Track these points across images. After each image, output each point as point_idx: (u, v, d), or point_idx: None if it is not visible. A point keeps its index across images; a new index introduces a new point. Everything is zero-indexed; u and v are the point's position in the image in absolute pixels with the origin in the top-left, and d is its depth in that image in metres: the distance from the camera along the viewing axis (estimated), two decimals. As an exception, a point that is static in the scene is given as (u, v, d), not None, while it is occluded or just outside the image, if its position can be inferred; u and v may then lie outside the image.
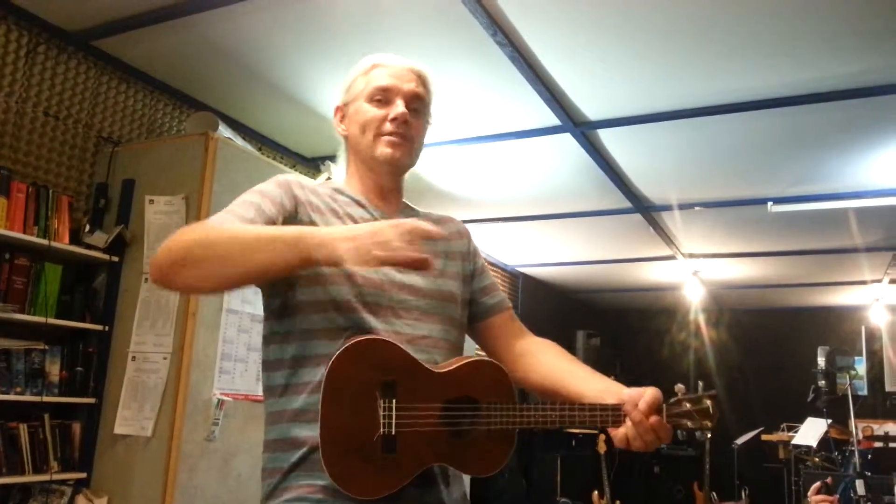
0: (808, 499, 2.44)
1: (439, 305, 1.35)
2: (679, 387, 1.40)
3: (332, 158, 4.08)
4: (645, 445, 1.19)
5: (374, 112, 1.37)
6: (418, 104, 1.39)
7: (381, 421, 1.15)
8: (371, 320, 1.24)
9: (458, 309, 1.40)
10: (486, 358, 1.25)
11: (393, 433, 1.14)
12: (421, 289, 1.33)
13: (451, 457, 1.19)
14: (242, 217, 1.22)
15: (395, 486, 1.15)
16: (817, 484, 2.44)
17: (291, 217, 1.27)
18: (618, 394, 1.24)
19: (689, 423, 1.21)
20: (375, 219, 1.36)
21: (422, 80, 1.42)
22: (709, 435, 6.41)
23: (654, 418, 1.19)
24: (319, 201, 1.34)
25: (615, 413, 1.20)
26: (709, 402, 1.22)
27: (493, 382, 1.23)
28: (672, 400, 1.23)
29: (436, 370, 1.22)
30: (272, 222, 1.24)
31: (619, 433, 1.20)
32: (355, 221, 1.33)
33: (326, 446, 1.14)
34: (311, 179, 1.43)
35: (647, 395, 1.20)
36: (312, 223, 1.29)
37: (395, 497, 1.17)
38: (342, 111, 1.44)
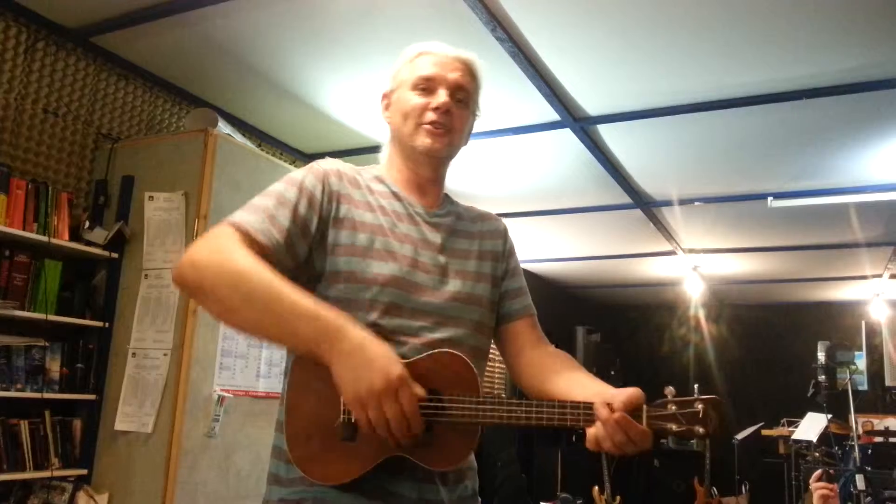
0: (810, 486, 2.46)
1: (465, 309, 1.32)
2: (669, 389, 1.29)
3: (332, 155, 4.09)
4: (615, 447, 1.10)
5: (416, 100, 1.34)
6: (462, 94, 1.37)
7: (342, 408, 1.14)
8: (387, 321, 1.23)
9: (487, 313, 1.37)
10: (450, 351, 1.20)
11: (353, 420, 1.13)
12: (446, 291, 1.31)
13: (411, 448, 1.16)
14: (279, 226, 1.20)
15: (356, 474, 1.15)
16: (818, 472, 2.47)
17: (326, 216, 1.26)
18: (603, 396, 1.15)
19: (673, 427, 1.11)
20: (411, 215, 1.34)
21: (469, 69, 1.39)
22: (706, 441, 6.19)
23: (618, 414, 1.10)
24: (357, 193, 1.32)
25: (587, 412, 1.12)
26: (700, 406, 1.11)
27: (457, 376, 1.18)
28: (657, 402, 1.14)
29: (401, 362, 1.19)
30: (305, 225, 1.23)
31: (590, 433, 1.12)
32: (387, 215, 1.31)
33: (290, 430, 1.16)
34: (352, 166, 1.38)
35: (622, 393, 1.13)
36: (348, 217, 1.27)
37: (384, 491, 1.17)
38: (387, 98, 1.41)
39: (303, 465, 1.15)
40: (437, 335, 1.26)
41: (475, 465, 1.36)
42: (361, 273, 1.24)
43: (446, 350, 1.20)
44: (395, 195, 1.36)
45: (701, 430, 1.11)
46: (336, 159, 1.38)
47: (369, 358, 1.07)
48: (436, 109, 1.33)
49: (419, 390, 1.12)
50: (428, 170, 1.38)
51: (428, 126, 1.33)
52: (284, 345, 1.15)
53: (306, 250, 1.25)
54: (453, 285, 1.32)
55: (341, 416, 1.14)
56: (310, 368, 1.15)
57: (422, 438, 1.15)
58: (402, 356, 1.17)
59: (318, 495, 1.17)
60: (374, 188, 1.35)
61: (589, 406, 1.13)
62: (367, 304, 1.23)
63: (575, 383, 1.28)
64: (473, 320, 1.33)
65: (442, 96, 1.34)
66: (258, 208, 1.23)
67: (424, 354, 1.19)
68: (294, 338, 1.10)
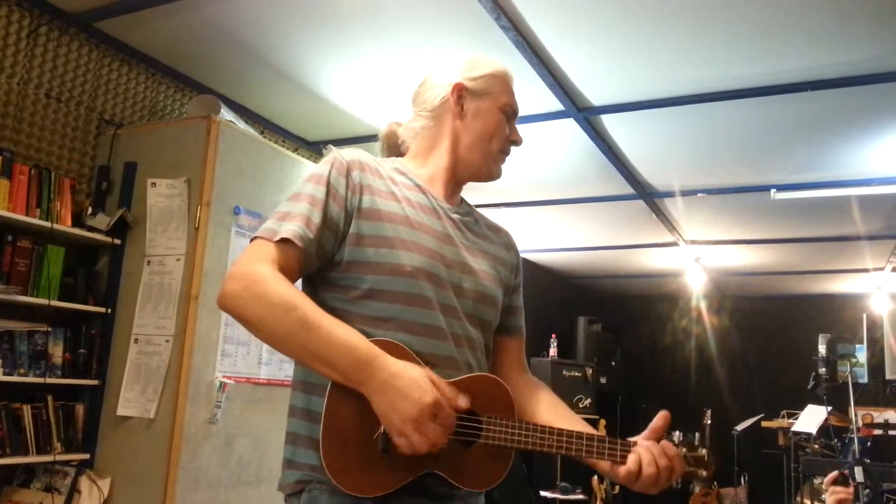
0: (824, 487, 2.41)
1: (482, 308, 1.34)
2: (677, 433, 1.47)
3: (335, 142, 4.08)
4: (653, 487, 1.18)
5: (504, 126, 1.39)
6: None
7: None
8: (411, 314, 1.24)
9: (497, 314, 1.39)
10: (491, 375, 1.24)
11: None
12: (467, 288, 1.32)
13: (447, 466, 1.17)
14: (314, 228, 1.21)
15: (389, 488, 1.14)
16: (834, 473, 2.41)
17: (351, 209, 1.26)
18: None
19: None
20: (435, 209, 1.34)
21: None
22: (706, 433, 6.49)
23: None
24: (380, 184, 1.31)
25: (611, 447, 1.19)
26: (704, 451, 1.24)
27: (496, 400, 1.22)
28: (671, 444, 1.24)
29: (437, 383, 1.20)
30: (335, 222, 1.23)
31: (623, 470, 1.19)
32: (412, 206, 1.31)
33: (326, 437, 1.14)
34: (371, 156, 1.36)
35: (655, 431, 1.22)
36: (372, 208, 1.27)
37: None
38: (464, 91, 1.37)
39: (337, 476, 1.13)
40: (461, 332, 1.28)
41: None
42: (389, 264, 1.24)
43: (487, 374, 1.24)
44: (419, 188, 1.35)
45: (704, 473, 1.23)
46: (357, 149, 1.36)
47: (402, 388, 1.10)
48: (515, 143, 1.41)
49: (462, 402, 1.15)
50: (469, 181, 1.43)
51: (503, 156, 1.40)
52: (324, 375, 1.15)
53: (335, 246, 1.25)
54: (473, 283, 1.33)
55: (382, 428, 1.13)
56: None
57: (458, 458, 1.17)
58: (432, 356, 1.21)
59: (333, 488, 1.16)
60: (397, 179, 1.34)
61: (627, 444, 1.20)
62: (392, 296, 1.23)
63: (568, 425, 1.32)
64: (488, 320, 1.36)
65: (519, 134, 1.41)
66: (293, 215, 1.22)
67: (465, 376, 1.22)
68: (331, 369, 1.13)
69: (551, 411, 1.36)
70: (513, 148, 1.45)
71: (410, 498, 1.17)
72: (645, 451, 1.18)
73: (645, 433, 1.21)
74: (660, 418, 1.22)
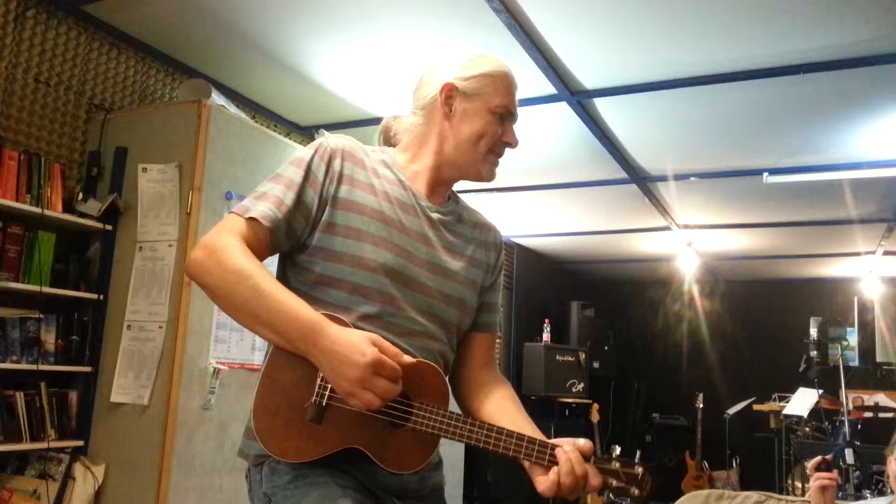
0: (808, 472, 2.37)
1: (447, 310, 1.34)
2: (616, 447, 1.44)
3: (327, 127, 4.05)
4: (570, 482, 1.15)
5: (495, 128, 1.35)
6: None
7: (317, 390, 1.18)
8: (369, 308, 1.26)
9: (465, 318, 1.40)
10: (431, 363, 1.25)
11: (324, 404, 1.17)
12: (435, 289, 1.33)
13: (371, 444, 1.20)
14: (285, 210, 1.24)
15: (313, 456, 1.19)
16: (817, 459, 2.35)
17: (327, 196, 1.28)
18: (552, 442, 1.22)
19: (613, 482, 1.20)
20: (414, 206, 1.35)
21: None
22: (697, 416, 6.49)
23: (584, 467, 1.17)
24: (362, 175, 1.32)
25: (541, 450, 1.18)
26: (640, 469, 1.21)
27: (432, 388, 1.23)
28: (604, 456, 1.22)
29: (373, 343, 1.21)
30: (308, 207, 1.26)
31: (549, 477, 1.17)
32: (390, 202, 1.31)
33: (259, 400, 1.20)
34: (360, 144, 1.36)
35: (579, 441, 1.20)
36: (348, 199, 1.28)
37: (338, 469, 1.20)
38: (455, 96, 1.35)
39: (263, 437, 1.19)
40: (417, 328, 1.29)
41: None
42: (354, 256, 1.25)
43: (428, 362, 1.25)
44: (402, 183, 1.35)
45: (637, 491, 1.19)
46: (345, 136, 1.37)
47: (343, 353, 1.13)
48: (508, 145, 1.38)
49: (406, 358, 1.18)
50: (458, 181, 1.41)
51: (495, 157, 1.38)
52: (274, 343, 1.20)
53: (307, 230, 1.28)
54: (442, 284, 1.34)
55: (314, 398, 1.17)
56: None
57: (384, 437, 1.20)
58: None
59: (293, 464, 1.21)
60: (381, 172, 1.35)
61: (545, 444, 1.18)
62: (351, 287, 1.25)
63: (515, 424, 1.29)
64: (452, 321, 1.36)
65: (515, 134, 1.38)
66: (268, 195, 1.26)
67: (410, 362, 1.22)
68: (279, 337, 1.17)
69: (496, 407, 1.35)
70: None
71: (364, 464, 1.21)
72: (563, 470, 1.16)
73: (574, 447, 1.19)
74: (585, 446, 1.20)
